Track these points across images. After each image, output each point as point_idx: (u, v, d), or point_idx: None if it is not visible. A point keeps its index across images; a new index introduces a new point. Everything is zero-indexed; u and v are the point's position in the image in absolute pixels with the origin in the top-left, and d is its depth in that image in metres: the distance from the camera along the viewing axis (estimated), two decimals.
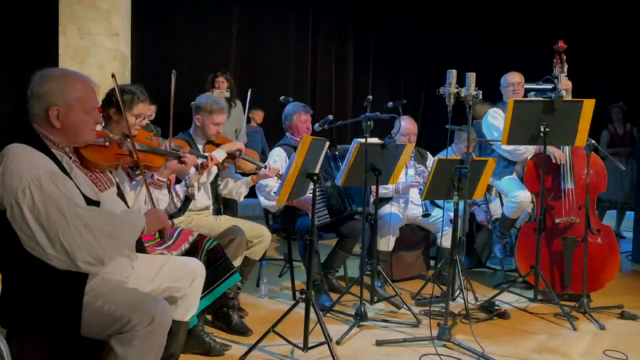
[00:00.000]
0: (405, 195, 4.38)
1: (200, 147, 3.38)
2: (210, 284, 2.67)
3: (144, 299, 1.96)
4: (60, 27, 4.59)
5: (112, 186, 2.18)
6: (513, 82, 4.40)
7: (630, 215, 6.18)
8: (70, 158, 2.03)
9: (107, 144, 2.21)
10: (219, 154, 3.22)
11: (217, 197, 3.66)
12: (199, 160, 2.96)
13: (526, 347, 3.24)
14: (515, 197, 4.25)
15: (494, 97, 4.46)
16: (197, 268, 2.41)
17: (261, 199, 3.96)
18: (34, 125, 1.99)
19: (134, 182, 2.52)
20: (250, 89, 3.67)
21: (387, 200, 4.30)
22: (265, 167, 3.55)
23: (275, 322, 2.95)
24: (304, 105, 4.17)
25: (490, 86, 4.15)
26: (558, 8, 7.61)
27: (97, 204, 2.00)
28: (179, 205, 3.05)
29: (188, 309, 2.39)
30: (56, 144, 1.99)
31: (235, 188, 3.65)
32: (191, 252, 2.82)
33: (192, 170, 2.96)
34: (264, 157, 3.89)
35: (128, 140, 2.31)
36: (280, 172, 3.61)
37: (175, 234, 2.89)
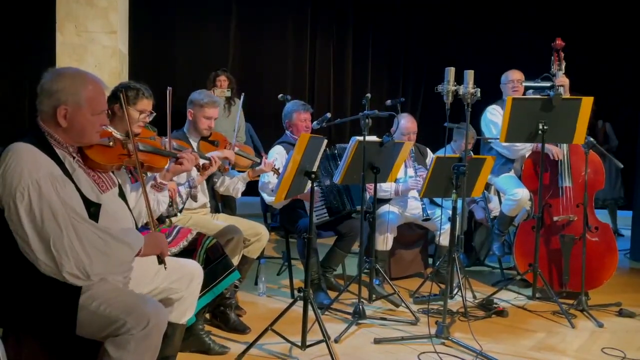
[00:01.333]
0: (405, 196, 4.37)
1: (194, 144, 3.38)
2: (209, 282, 2.66)
3: (140, 302, 1.94)
4: (57, 24, 4.57)
5: (114, 187, 2.17)
6: (513, 79, 4.43)
7: (628, 213, 6.17)
8: (74, 158, 2.01)
9: (111, 143, 2.18)
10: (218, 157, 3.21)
11: (214, 194, 3.65)
12: (201, 161, 2.95)
13: (524, 344, 3.24)
14: (513, 194, 4.26)
15: (494, 95, 4.46)
16: (195, 270, 2.40)
17: (265, 196, 3.96)
18: (40, 122, 1.98)
19: (136, 183, 2.51)
20: (243, 94, 3.74)
21: (386, 200, 4.29)
22: (261, 163, 3.55)
23: (273, 320, 2.95)
24: (303, 103, 4.17)
25: (489, 84, 4.14)
26: (557, 6, 7.61)
27: (97, 205, 1.99)
28: (181, 207, 3.04)
29: (185, 312, 2.39)
30: (60, 143, 1.98)
31: (232, 184, 3.64)
32: (190, 249, 2.81)
33: (195, 171, 2.96)
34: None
35: (132, 140, 2.29)
36: (276, 167, 3.61)
37: (175, 232, 2.88)
